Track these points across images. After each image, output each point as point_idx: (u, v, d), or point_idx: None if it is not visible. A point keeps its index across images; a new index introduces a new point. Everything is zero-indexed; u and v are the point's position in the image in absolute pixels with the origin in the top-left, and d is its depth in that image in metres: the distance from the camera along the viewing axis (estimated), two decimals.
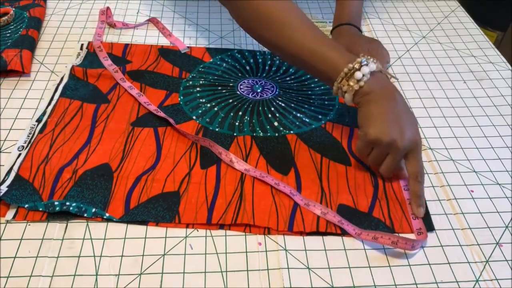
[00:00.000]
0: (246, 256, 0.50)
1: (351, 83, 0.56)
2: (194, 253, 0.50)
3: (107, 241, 0.50)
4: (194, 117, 0.66)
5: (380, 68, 0.57)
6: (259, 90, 0.71)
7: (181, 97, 0.69)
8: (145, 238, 0.51)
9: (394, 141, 0.54)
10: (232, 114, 0.67)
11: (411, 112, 0.58)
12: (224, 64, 0.76)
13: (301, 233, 0.52)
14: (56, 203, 0.52)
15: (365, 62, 0.55)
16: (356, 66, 0.55)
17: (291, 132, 0.64)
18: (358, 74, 0.55)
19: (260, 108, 0.68)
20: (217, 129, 0.64)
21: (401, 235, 0.52)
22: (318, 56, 0.58)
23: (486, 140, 0.65)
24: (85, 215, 0.52)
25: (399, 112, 0.55)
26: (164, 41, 0.81)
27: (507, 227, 0.54)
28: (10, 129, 0.63)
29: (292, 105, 0.69)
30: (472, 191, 0.57)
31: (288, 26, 0.60)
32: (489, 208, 0.56)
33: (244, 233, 0.52)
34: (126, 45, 0.79)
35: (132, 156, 0.59)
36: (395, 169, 0.57)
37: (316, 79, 0.74)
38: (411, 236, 0.52)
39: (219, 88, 0.71)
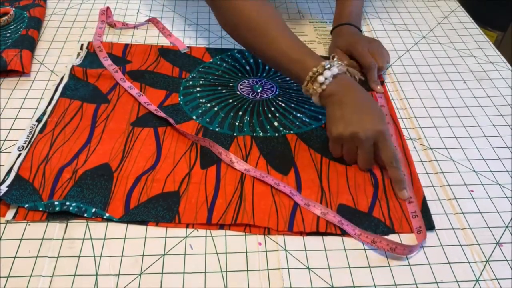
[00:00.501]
0: (246, 256, 0.50)
1: (315, 87, 0.59)
2: (194, 253, 0.50)
3: (107, 241, 0.50)
4: (194, 117, 0.66)
5: (344, 70, 0.60)
6: (259, 90, 0.71)
7: (181, 97, 0.69)
8: (145, 238, 0.51)
9: (355, 133, 0.56)
10: (232, 114, 0.67)
11: (376, 106, 0.60)
12: (224, 64, 0.76)
13: (301, 233, 0.52)
14: (56, 203, 0.52)
15: (328, 66, 0.58)
16: (320, 70, 0.58)
17: (291, 132, 0.64)
18: (320, 78, 0.58)
19: (260, 108, 0.68)
20: (217, 129, 0.64)
21: (401, 235, 0.52)
22: (290, 59, 0.62)
23: (486, 140, 0.65)
24: (85, 215, 0.52)
25: (360, 107, 0.58)
26: (164, 41, 0.81)
27: (507, 227, 0.54)
28: (10, 129, 0.62)
29: (292, 105, 0.69)
30: (472, 191, 0.57)
31: (266, 30, 0.63)
32: (489, 208, 0.56)
33: (244, 233, 0.52)
34: (126, 45, 0.79)
35: (132, 156, 0.59)
36: (370, 160, 0.58)
37: None
38: (411, 236, 0.52)
39: (219, 88, 0.71)
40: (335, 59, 0.60)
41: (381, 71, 0.74)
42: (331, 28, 0.81)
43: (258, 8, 0.64)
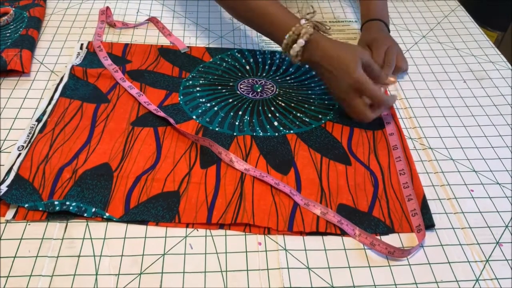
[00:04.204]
0: (246, 256, 0.50)
1: (292, 54, 0.64)
2: (194, 253, 0.50)
3: (107, 240, 0.50)
4: (194, 117, 0.66)
5: (311, 31, 0.62)
6: (259, 90, 0.71)
7: (181, 97, 0.69)
8: (145, 237, 0.51)
9: (349, 85, 0.61)
10: (232, 113, 0.67)
11: (348, 46, 0.65)
12: (224, 64, 0.76)
13: (301, 233, 0.52)
14: (56, 202, 0.52)
15: (295, 37, 0.63)
16: (289, 43, 0.64)
17: (291, 131, 0.64)
18: (293, 51, 0.64)
19: (260, 107, 0.68)
20: (217, 129, 0.64)
21: (401, 234, 0.52)
22: (271, 23, 0.66)
23: (486, 139, 0.65)
24: (85, 214, 0.52)
25: (337, 65, 0.62)
26: (164, 41, 0.81)
27: (507, 226, 0.54)
28: (10, 128, 0.62)
29: (292, 104, 0.69)
30: (472, 191, 0.57)
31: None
32: (489, 207, 0.56)
33: (244, 233, 0.52)
34: (126, 45, 0.79)
35: (132, 155, 0.59)
36: (380, 92, 0.62)
37: (316, 79, 0.74)
38: (411, 235, 0.52)
39: (219, 87, 0.71)
40: (302, 21, 0.63)
41: (398, 72, 0.75)
42: (330, 28, 0.81)
43: None
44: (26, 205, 0.52)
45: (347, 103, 0.64)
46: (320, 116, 0.67)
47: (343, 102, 0.65)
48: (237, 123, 0.65)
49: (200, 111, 0.67)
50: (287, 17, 0.66)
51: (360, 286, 0.47)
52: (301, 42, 0.62)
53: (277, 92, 0.71)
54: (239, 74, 0.75)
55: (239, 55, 0.78)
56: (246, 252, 0.50)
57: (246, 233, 0.52)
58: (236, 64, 0.76)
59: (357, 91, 0.62)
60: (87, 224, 0.52)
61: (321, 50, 0.63)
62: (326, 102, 0.70)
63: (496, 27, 1.35)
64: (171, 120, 0.63)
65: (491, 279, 0.48)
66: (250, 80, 0.73)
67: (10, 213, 0.52)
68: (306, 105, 0.69)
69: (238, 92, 0.71)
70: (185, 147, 0.61)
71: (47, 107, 0.65)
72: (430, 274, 0.49)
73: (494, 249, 0.51)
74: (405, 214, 0.54)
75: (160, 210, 0.53)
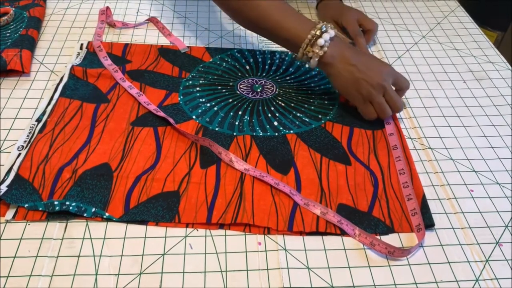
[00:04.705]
0: (246, 256, 0.50)
1: (316, 50, 0.62)
2: (194, 253, 0.50)
3: (107, 240, 0.50)
4: (194, 117, 0.66)
5: (336, 33, 0.64)
6: (259, 90, 0.71)
7: (181, 97, 0.69)
8: (145, 237, 0.51)
9: (380, 84, 0.62)
10: (232, 113, 0.67)
11: (373, 55, 0.68)
12: (224, 64, 0.76)
13: (300, 233, 0.52)
14: (55, 202, 0.52)
15: (325, 29, 0.62)
16: (318, 33, 0.62)
17: (291, 131, 0.64)
18: (320, 41, 0.62)
19: (260, 107, 0.68)
20: (216, 129, 0.64)
21: (400, 234, 0.52)
22: (284, 27, 0.64)
23: (485, 139, 0.65)
24: (85, 214, 0.52)
25: (367, 61, 0.63)
26: (164, 41, 0.81)
27: (507, 226, 0.54)
28: (10, 128, 0.62)
29: (292, 104, 0.69)
30: (472, 191, 0.57)
31: (257, 1, 0.65)
32: (489, 207, 0.56)
33: (243, 233, 0.52)
34: (126, 45, 0.79)
35: (132, 155, 0.59)
36: (398, 98, 0.63)
37: (316, 78, 0.74)
38: (411, 235, 0.52)
39: (219, 87, 0.71)
40: (325, 22, 0.63)
41: (371, 34, 0.81)
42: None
43: None
44: (26, 205, 0.52)
45: (372, 100, 0.63)
46: (320, 116, 0.67)
47: (363, 100, 0.64)
48: (237, 123, 0.65)
49: (200, 111, 0.67)
50: (301, 15, 0.66)
51: (360, 286, 0.47)
52: (332, 32, 0.62)
53: (277, 92, 0.71)
54: (239, 74, 0.75)
55: (239, 55, 0.78)
56: (246, 252, 0.50)
57: (246, 233, 0.52)
58: (236, 64, 0.77)
59: (381, 90, 0.62)
60: (87, 224, 0.52)
61: (348, 45, 0.65)
62: (326, 102, 0.70)
63: (496, 27, 1.36)
64: (171, 120, 0.63)
65: (491, 279, 0.48)
66: (250, 80, 0.73)
67: (10, 213, 0.52)
68: (306, 105, 0.69)
69: (238, 92, 0.71)
70: (185, 147, 0.61)
71: (47, 107, 0.65)
72: (430, 274, 0.49)
73: (494, 249, 0.51)
74: (405, 213, 0.54)
75: (160, 210, 0.53)
